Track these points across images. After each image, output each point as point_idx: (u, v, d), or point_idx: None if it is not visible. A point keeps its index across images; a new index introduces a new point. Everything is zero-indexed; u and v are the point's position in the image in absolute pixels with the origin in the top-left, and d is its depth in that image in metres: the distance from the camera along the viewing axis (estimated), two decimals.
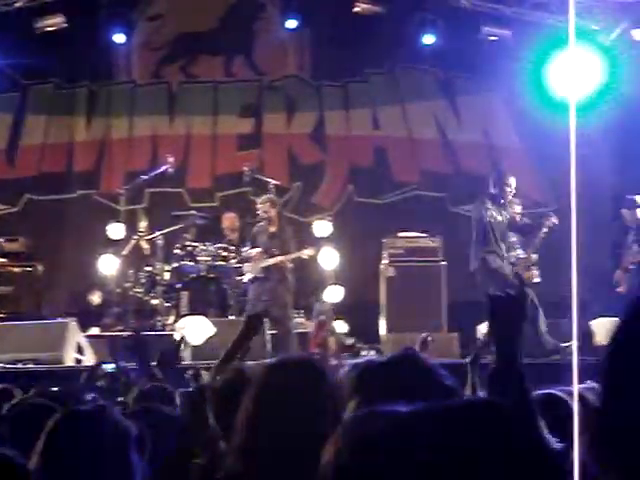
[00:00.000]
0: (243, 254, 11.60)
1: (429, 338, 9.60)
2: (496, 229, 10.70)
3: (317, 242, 12.27)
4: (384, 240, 12.49)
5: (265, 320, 10.92)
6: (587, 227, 13.39)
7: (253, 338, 10.63)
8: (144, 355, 7.61)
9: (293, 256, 10.92)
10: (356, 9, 13.82)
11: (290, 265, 10.94)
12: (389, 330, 12.02)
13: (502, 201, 10.79)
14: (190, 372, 8.30)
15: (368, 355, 10.95)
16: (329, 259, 12.50)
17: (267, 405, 2.77)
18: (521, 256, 11.20)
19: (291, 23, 14.18)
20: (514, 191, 10.92)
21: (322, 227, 12.81)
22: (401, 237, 12.60)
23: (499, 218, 10.71)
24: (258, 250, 10.94)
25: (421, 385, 2.55)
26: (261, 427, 2.72)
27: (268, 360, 4.93)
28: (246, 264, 11.18)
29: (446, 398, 2.47)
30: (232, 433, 3.56)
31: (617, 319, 1.51)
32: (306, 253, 11.08)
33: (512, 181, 10.92)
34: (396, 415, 1.73)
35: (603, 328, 9.87)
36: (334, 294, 12.54)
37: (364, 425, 1.79)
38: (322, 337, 11.26)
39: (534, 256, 11.28)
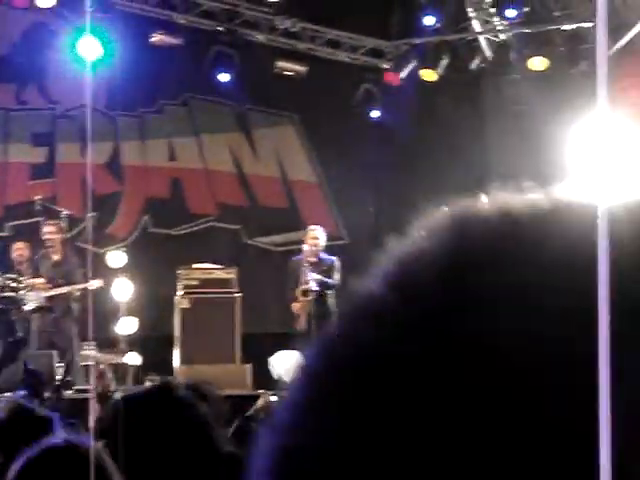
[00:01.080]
0: (25, 282, 11.32)
1: None
2: None
3: (111, 273, 12.12)
4: (179, 271, 12.45)
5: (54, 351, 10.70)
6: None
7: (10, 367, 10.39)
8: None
9: (79, 287, 10.73)
10: (152, 40, 13.79)
11: (76, 295, 10.74)
12: (183, 362, 11.95)
13: None
14: None
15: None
16: (123, 290, 12.35)
17: None
18: None
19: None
20: None
21: (116, 258, 12.65)
22: (196, 268, 12.59)
23: None
24: (41, 280, 10.70)
25: (174, 418, 2.62)
26: None
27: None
28: (29, 293, 10.91)
29: (198, 430, 2.58)
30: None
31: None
32: (94, 284, 10.93)
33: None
34: None
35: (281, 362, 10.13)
36: (128, 326, 12.39)
37: None
38: (102, 385, 11.00)
39: None
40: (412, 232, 0.74)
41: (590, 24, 12.84)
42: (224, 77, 14.02)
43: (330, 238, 13.55)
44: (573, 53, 13.36)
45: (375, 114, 14.59)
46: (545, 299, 0.68)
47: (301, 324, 11.50)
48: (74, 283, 10.67)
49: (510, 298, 0.68)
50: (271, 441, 0.70)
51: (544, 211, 0.73)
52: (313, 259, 11.83)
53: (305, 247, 12.02)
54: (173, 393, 2.73)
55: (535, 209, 0.73)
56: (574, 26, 13.15)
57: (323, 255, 12.01)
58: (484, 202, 0.75)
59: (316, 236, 11.99)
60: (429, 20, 13.59)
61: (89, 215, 14.41)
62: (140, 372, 11.94)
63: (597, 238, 0.65)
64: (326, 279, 11.63)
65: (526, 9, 13.16)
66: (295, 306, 11.70)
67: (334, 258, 12.05)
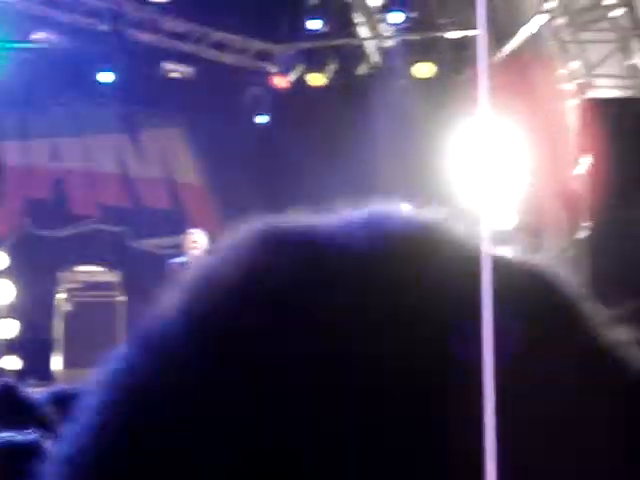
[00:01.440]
0: None
1: None
2: None
3: None
4: (61, 274, 12.22)
5: None
6: None
7: None
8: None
9: None
10: (34, 37, 13.52)
11: None
12: (66, 366, 11.73)
13: None
14: None
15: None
16: (3, 292, 12.06)
17: None
18: None
19: None
20: None
21: None
22: (79, 271, 12.38)
23: None
24: None
25: (17, 416, 2.66)
26: None
27: None
28: None
29: (41, 427, 2.60)
30: None
31: None
32: None
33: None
34: None
35: None
36: (8, 329, 12.10)
37: None
38: None
39: None
40: (218, 249, 0.73)
41: (475, 32, 13.05)
42: (108, 77, 13.81)
43: (215, 241, 13.47)
44: (458, 60, 13.56)
45: (262, 117, 14.58)
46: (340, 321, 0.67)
47: None
48: None
49: (308, 327, 0.66)
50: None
51: (355, 234, 0.72)
52: None
53: (189, 251, 11.90)
54: (14, 394, 2.75)
55: (345, 232, 0.72)
56: (460, 34, 13.34)
57: None
58: (295, 220, 0.74)
59: (196, 240, 11.82)
60: (316, 24, 13.63)
61: None
62: (20, 377, 11.68)
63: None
64: None
65: (412, 15, 13.29)
66: None
67: None
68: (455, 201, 12.36)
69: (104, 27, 13.78)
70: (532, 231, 14.75)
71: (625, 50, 12.32)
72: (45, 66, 13.84)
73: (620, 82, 12.39)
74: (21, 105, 14.57)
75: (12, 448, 2.33)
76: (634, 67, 12.31)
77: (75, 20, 13.91)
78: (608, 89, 12.64)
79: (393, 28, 13.82)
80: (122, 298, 12.18)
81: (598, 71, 12.71)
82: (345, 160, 13.86)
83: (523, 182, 14.20)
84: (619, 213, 10.38)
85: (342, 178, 13.44)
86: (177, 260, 11.87)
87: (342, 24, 14.04)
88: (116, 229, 14.66)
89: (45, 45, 13.68)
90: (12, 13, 13.73)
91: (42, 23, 13.66)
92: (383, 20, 13.82)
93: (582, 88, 12.24)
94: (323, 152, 14.13)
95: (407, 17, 13.27)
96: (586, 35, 12.66)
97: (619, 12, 12.18)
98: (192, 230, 12.16)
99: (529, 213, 14.63)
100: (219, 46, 14.53)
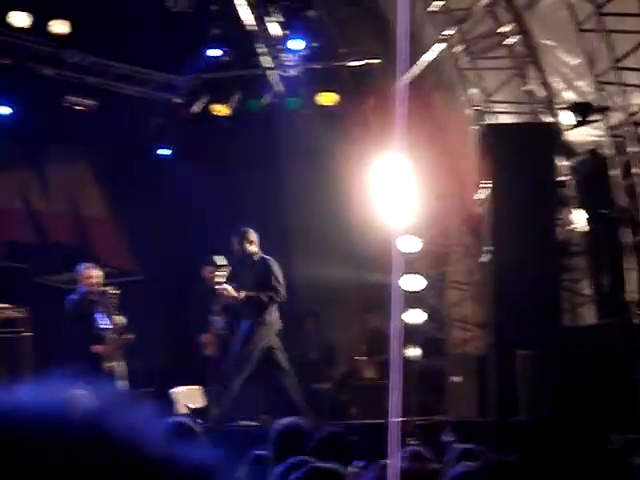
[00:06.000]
0: None
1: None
2: None
3: None
4: None
5: None
6: (171, 292, 13.69)
7: None
8: None
9: None
10: None
11: None
12: None
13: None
14: None
15: None
16: None
17: None
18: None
19: None
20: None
21: None
22: None
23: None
24: None
25: None
26: None
27: None
28: None
29: None
30: None
31: None
32: None
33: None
34: None
35: (183, 396, 9.90)
36: None
37: None
38: None
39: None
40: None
41: (376, 61, 13.20)
42: (5, 110, 13.62)
43: (125, 274, 13.40)
44: (360, 89, 13.69)
45: (165, 149, 14.58)
46: None
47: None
48: None
49: None
50: None
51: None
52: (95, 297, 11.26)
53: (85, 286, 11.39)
54: None
55: None
56: (360, 62, 13.47)
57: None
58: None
59: (91, 275, 11.39)
60: (217, 53, 13.65)
61: None
62: None
63: None
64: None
65: (314, 44, 13.36)
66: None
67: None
68: (360, 224, 12.46)
69: (4, 61, 13.57)
70: (438, 255, 14.92)
71: (521, 76, 12.58)
72: None
73: (517, 108, 12.64)
74: None
75: None
76: (530, 93, 12.57)
77: None
78: (506, 115, 12.89)
79: (295, 57, 13.86)
80: (28, 334, 11.97)
81: (496, 97, 12.96)
82: (252, 191, 13.90)
83: (429, 207, 14.37)
84: (516, 236, 10.60)
85: (249, 209, 13.49)
86: (72, 296, 11.49)
87: (246, 54, 14.07)
88: (21, 265, 14.40)
89: None
90: None
91: None
92: (285, 49, 13.89)
93: (481, 114, 12.47)
94: (230, 182, 14.13)
95: (309, 46, 13.33)
96: (484, 62, 12.90)
97: (515, 39, 12.45)
98: (87, 264, 11.66)
99: (435, 237, 14.80)
100: (123, 78, 14.44)
